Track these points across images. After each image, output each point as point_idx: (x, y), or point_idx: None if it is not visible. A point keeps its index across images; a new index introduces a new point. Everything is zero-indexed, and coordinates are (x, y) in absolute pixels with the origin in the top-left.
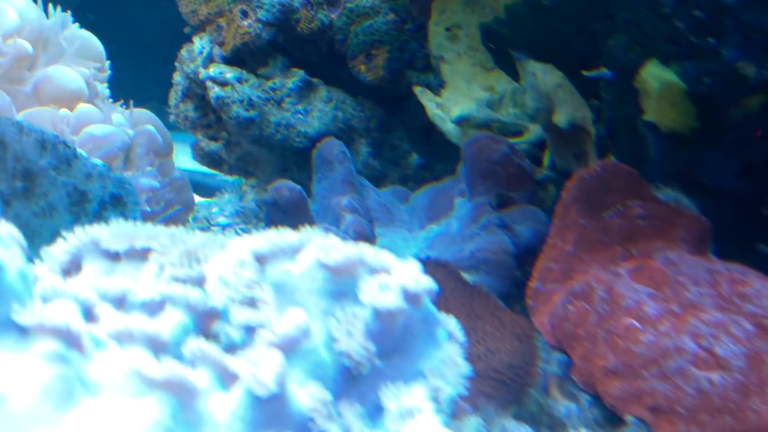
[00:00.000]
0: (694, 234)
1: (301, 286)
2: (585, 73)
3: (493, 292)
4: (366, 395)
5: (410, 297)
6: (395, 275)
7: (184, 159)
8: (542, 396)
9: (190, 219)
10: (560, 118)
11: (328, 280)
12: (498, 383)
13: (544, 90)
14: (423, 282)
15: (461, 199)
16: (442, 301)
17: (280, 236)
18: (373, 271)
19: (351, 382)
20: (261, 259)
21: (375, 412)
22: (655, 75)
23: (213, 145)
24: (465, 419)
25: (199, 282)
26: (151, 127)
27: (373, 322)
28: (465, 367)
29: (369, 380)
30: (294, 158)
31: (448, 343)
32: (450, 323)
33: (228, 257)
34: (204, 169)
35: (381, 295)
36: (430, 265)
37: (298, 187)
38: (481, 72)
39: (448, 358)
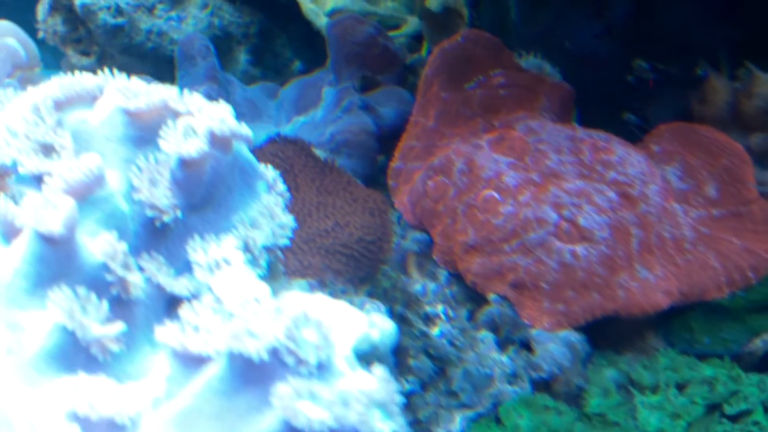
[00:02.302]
0: (557, 102)
1: (99, 133)
2: None
3: (355, 175)
4: (174, 251)
5: (218, 141)
6: (201, 118)
7: None
8: (397, 273)
9: None
10: (433, 1)
11: (128, 125)
12: (348, 258)
13: None
14: (232, 125)
15: (329, 88)
16: (290, 177)
17: (77, 80)
18: (179, 115)
19: (156, 236)
20: (57, 106)
21: (185, 267)
22: None
23: (85, 61)
24: (293, 280)
25: None
26: (11, 40)
27: (178, 169)
28: (285, 219)
29: (177, 234)
30: (168, 67)
31: (267, 195)
32: (270, 174)
33: (21, 105)
34: None
35: (185, 140)
36: (279, 142)
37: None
38: None
39: (266, 209)
